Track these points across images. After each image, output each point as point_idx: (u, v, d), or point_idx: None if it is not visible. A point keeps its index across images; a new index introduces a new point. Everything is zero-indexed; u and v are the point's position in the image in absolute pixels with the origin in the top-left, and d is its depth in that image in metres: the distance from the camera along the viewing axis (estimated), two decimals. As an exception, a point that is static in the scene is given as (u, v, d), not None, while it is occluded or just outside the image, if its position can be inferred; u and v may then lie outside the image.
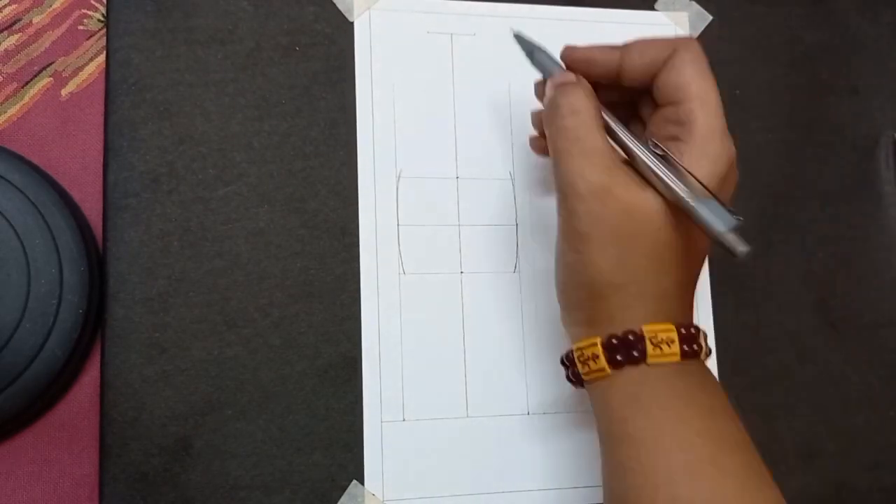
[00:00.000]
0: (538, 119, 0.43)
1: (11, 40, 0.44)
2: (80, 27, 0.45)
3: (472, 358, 0.44)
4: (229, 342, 0.42)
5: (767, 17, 0.51)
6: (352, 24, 0.46)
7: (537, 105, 0.41)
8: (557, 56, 0.39)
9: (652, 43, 0.37)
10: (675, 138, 0.36)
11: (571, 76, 0.37)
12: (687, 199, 0.33)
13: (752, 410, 0.46)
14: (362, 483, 0.42)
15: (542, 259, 0.45)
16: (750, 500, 0.32)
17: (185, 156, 0.43)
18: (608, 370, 0.34)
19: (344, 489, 0.42)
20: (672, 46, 0.37)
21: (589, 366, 0.35)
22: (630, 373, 0.34)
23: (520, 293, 0.45)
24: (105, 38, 0.44)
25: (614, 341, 0.34)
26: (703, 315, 0.47)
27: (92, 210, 0.43)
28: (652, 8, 0.49)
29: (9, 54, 0.44)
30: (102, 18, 0.45)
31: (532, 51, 0.39)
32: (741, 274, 0.48)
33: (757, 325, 0.47)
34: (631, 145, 0.36)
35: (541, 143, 0.43)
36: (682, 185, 0.34)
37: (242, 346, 0.42)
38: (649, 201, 0.34)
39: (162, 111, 0.43)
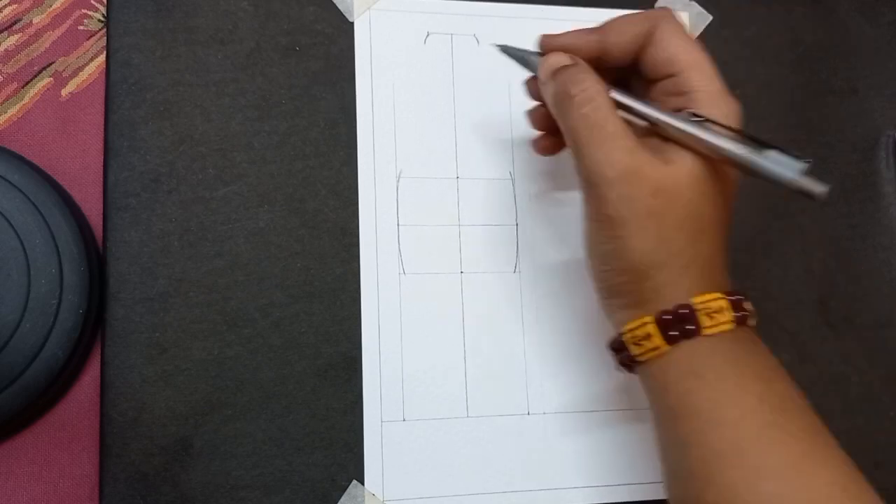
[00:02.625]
0: (537, 117, 0.42)
1: (11, 40, 0.44)
2: (80, 27, 0.45)
3: (472, 358, 0.44)
4: (229, 342, 0.42)
5: (767, 17, 0.51)
6: (352, 24, 0.46)
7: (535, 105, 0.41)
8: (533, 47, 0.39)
9: (628, 19, 0.37)
10: (681, 109, 0.36)
11: (565, 58, 0.37)
12: (750, 157, 0.33)
13: (752, 410, 0.46)
14: (362, 483, 0.42)
15: (543, 259, 0.45)
16: (815, 461, 0.32)
17: (185, 156, 0.43)
18: (664, 347, 0.34)
19: (344, 489, 0.42)
20: (649, 20, 0.37)
21: (643, 346, 0.34)
22: (684, 347, 0.34)
23: (520, 293, 0.45)
24: (105, 38, 0.44)
25: (667, 317, 0.34)
26: (703, 315, 0.47)
27: (92, 210, 0.43)
28: (652, 8, 0.49)
29: (9, 54, 0.44)
30: (102, 18, 0.45)
31: (522, 56, 0.40)
32: (741, 274, 0.48)
33: (757, 326, 0.47)
34: (666, 121, 0.35)
35: (543, 143, 0.43)
36: (740, 145, 0.33)
37: (242, 346, 0.42)
38: (676, 174, 0.34)
39: (162, 111, 0.43)
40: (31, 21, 0.44)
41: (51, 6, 0.45)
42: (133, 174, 0.42)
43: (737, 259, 0.48)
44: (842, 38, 0.52)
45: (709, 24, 0.50)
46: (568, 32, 0.38)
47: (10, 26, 0.44)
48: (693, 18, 0.50)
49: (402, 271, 0.44)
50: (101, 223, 0.42)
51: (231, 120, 0.44)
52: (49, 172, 0.42)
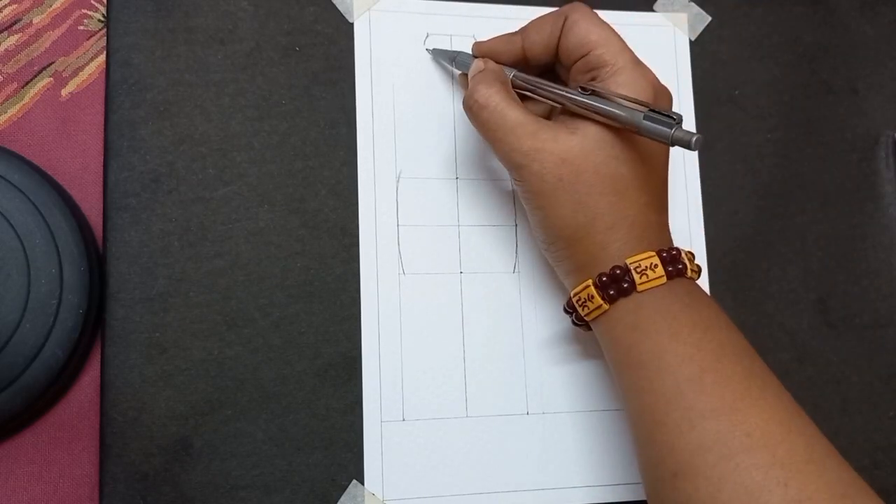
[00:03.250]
0: None
1: (11, 40, 0.44)
2: (80, 27, 0.45)
3: (472, 358, 0.44)
4: (229, 342, 0.42)
5: (767, 17, 0.51)
6: (352, 24, 0.46)
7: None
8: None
9: (544, 17, 0.42)
10: (593, 80, 0.39)
11: (480, 63, 0.42)
12: (629, 119, 0.36)
13: (752, 410, 0.46)
14: (362, 483, 0.42)
15: (542, 259, 0.45)
16: (753, 402, 0.34)
17: (185, 156, 0.43)
18: (605, 306, 0.37)
19: (344, 489, 0.42)
20: (562, 13, 0.41)
21: (588, 306, 0.38)
22: (625, 304, 0.37)
23: (519, 293, 0.45)
24: (105, 38, 0.44)
25: (604, 279, 0.37)
26: (703, 315, 0.47)
27: (92, 210, 0.43)
28: (651, 9, 0.49)
29: (9, 54, 0.44)
30: (102, 18, 0.45)
31: (454, 56, 0.45)
32: (741, 274, 0.48)
33: (757, 325, 0.47)
34: (561, 95, 0.39)
35: None
36: (620, 110, 0.36)
37: (242, 346, 0.42)
38: (580, 143, 0.37)
39: (162, 111, 0.43)
40: (31, 21, 0.45)
41: (51, 6, 0.45)
42: (133, 174, 0.42)
43: (737, 259, 0.48)
44: (842, 37, 0.52)
45: (708, 24, 0.50)
46: (494, 38, 0.43)
47: (10, 26, 0.44)
48: (692, 19, 0.50)
49: (402, 271, 0.44)
50: (101, 223, 0.42)
51: (231, 120, 0.44)
52: (49, 172, 0.43)
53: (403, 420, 0.43)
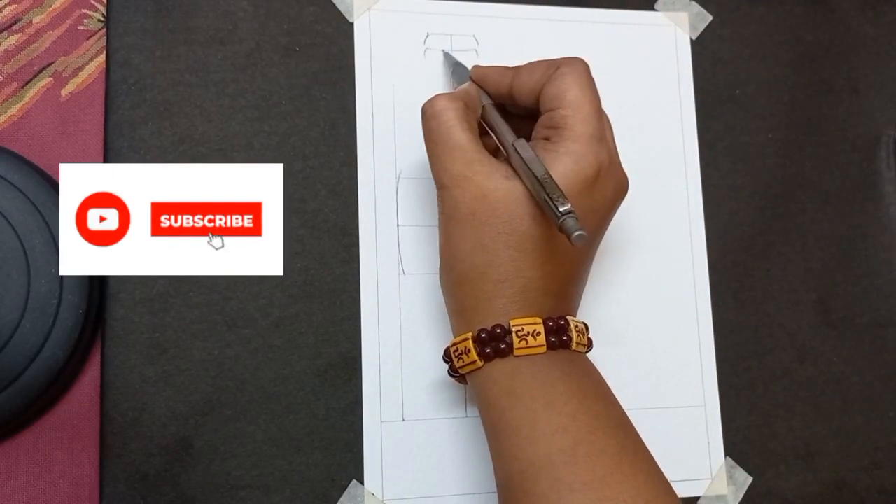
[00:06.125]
0: None
1: (11, 40, 0.44)
2: (80, 27, 0.45)
3: (472, 358, 0.44)
4: (229, 342, 0.42)
5: (767, 17, 0.51)
6: (352, 24, 0.46)
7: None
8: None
9: (540, 61, 0.40)
10: (547, 139, 0.38)
11: (467, 84, 0.42)
12: (531, 187, 0.35)
13: (752, 410, 0.46)
14: (362, 483, 0.42)
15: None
16: (623, 477, 0.34)
17: (185, 156, 0.43)
18: (479, 362, 0.36)
19: (344, 489, 0.42)
20: (557, 62, 0.39)
21: (463, 359, 0.37)
22: (502, 364, 0.36)
23: (520, 293, 0.45)
24: (105, 38, 0.44)
25: (483, 335, 0.36)
26: (703, 315, 0.47)
27: (92, 210, 0.43)
28: (652, 8, 0.49)
29: (9, 54, 0.44)
30: (102, 18, 0.45)
31: (453, 68, 0.45)
32: (741, 274, 0.48)
33: (757, 325, 0.47)
34: (502, 140, 0.38)
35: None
36: (529, 176, 0.35)
37: (242, 346, 0.42)
38: (507, 189, 0.36)
39: (162, 111, 0.43)
40: (31, 21, 0.44)
41: (51, 6, 0.45)
42: (133, 174, 0.42)
43: (737, 259, 0.48)
44: (842, 37, 0.52)
45: (709, 24, 0.50)
46: (492, 66, 0.42)
47: (10, 26, 0.44)
48: (693, 18, 0.50)
49: (402, 271, 0.44)
50: (101, 223, 0.42)
51: (231, 120, 0.44)
52: (49, 172, 0.43)
53: (403, 420, 0.43)
